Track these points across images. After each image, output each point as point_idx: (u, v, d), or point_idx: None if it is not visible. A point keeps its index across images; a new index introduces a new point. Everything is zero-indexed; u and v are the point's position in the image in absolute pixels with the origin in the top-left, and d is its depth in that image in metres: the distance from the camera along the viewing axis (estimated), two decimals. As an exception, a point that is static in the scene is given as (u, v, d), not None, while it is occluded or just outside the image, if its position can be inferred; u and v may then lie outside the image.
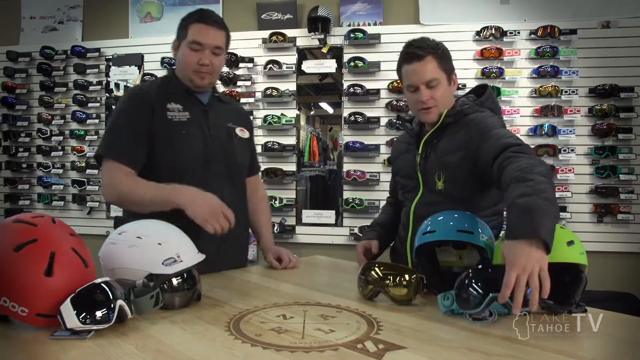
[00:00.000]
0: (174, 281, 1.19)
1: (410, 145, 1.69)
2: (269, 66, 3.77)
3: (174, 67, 1.77)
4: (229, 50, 3.71)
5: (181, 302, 1.19)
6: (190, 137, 1.62)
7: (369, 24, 3.74)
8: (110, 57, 4.11)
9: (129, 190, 1.55)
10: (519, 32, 3.47)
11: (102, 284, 1.00)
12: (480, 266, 1.16)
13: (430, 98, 1.54)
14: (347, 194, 3.67)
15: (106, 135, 1.68)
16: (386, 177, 3.40)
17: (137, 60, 4.03)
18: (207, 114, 1.69)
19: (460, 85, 3.49)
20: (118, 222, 1.54)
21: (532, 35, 3.46)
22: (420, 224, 1.45)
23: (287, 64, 3.77)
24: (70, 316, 0.94)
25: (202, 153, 1.64)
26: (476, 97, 1.62)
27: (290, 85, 3.80)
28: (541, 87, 3.42)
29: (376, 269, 1.25)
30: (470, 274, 1.09)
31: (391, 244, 1.83)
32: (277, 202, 3.75)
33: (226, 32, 1.69)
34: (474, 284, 1.07)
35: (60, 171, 4.15)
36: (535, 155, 1.33)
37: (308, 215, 3.79)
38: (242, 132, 1.78)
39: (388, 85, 3.63)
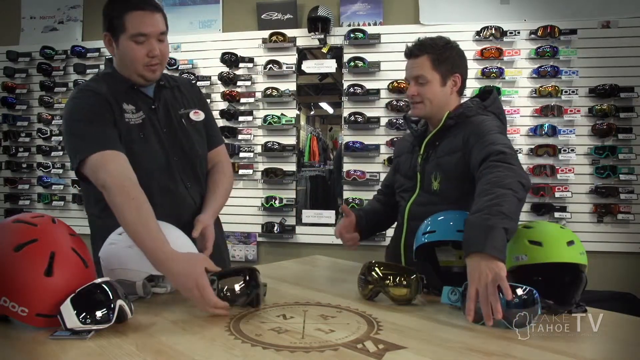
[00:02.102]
0: (237, 287, 1.15)
1: (414, 146, 1.71)
2: (269, 66, 3.77)
3: (110, 59, 1.54)
4: (230, 51, 3.78)
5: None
6: (148, 140, 1.48)
7: (369, 24, 3.73)
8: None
9: (120, 205, 1.28)
10: (519, 32, 3.47)
11: (102, 284, 1.00)
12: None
13: (417, 94, 1.59)
14: (347, 194, 3.67)
15: (72, 142, 1.41)
16: (386, 177, 3.41)
17: (137, 60, 4.02)
18: (156, 110, 1.52)
19: (460, 85, 3.51)
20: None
21: (532, 35, 3.46)
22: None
23: (287, 64, 3.77)
24: (70, 316, 0.94)
25: (162, 155, 1.50)
26: (481, 101, 1.64)
27: (290, 85, 3.80)
28: (541, 87, 3.42)
29: (376, 269, 1.25)
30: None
31: (387, 244, 1.84)
32: (277, 202, 3.75)
33: (163, 13, 1.47)
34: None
35: (60, 171, 4.15)
36: (518, 164, 1.35)
37: (308, 215, 3.79)
38: (196, 115, 1.60)
39: (388, 85, 3.63)
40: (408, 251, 1.60)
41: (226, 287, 1.14)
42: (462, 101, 1.68)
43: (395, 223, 1.81)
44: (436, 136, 1.61)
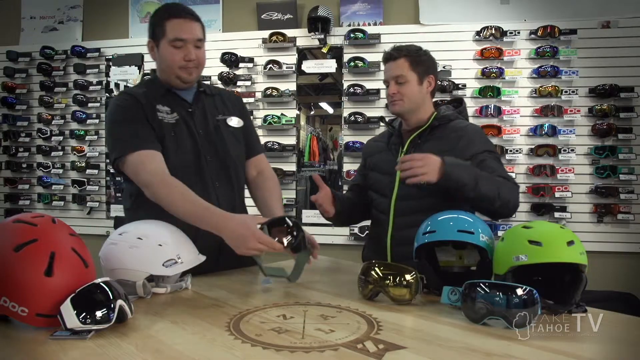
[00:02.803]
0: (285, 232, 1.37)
1: (391, 145, 1.85)
2: (269, 66, 3.77)
3: (154, 69, 1.69)
4: (230, 51, 3.78)
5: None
6: (180, 139, 1.58)
7: (369, 24, 3.74)
8: (110, 57, 4.11)
9: (166, 197, 1.44)
10: (519, 32, 3.47)
11: (102, 284, 1.00)
12: (489, 282, 1.12)
13: (397, 92, 1.75)
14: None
15: (112, 139, 1.58)
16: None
17: (137, 60, 4.03)
18: (192, 113, 1.64)
19: (460, 85, 3.52)
20: (118, 222, 1.54)
21: (532, 35, 3.46)
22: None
23: (287, 64, 3.77)
24: (70, 316, 0.94)
25: (193, 154, 1.60)
26: (453, 107, 1.85)
27: (290, 85, 3.80)
28: (541, 87, 3.42)
29: (376, 269, 1.25)
30: (479, 288, 1.07)
31: (364, 244, 1.98)
32: (277, 202, 3.74)
33: (201, 23, 1.63)
34: (481, 301, 1.06)
35: (60, 171, 4.15)
36: (517, 187, 1.65)
37: (308, 215, 3.79)
38: (234, 122, 1.72)
39: (388, 85, 3.62)
40: (394, 247, 1.74)
41: (275, 232, 1.35)
42: (434, 103, 1.86)
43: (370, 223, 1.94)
44: (420, 135, 1.76)
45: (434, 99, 1.89)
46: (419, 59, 1.75)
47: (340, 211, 1.83)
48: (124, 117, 1.55)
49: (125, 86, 4.12)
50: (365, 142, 3.58)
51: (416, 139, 1.76)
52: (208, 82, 1.91)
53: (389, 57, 1.77)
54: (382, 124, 3.51)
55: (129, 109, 1.55)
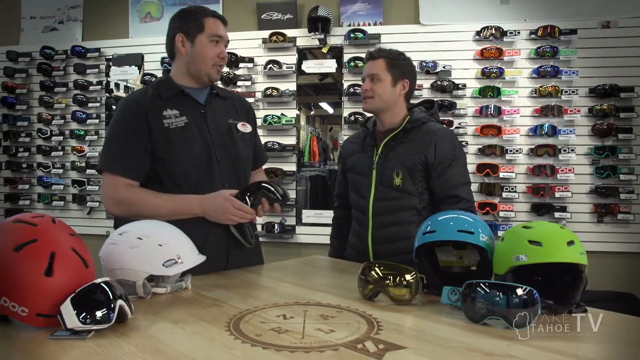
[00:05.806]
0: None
1: (366, 146, 1.90)
2: (269, 66, 3.77)
3: (168, 69, 1.76)
4: (229, 50, 3.76)
5: None
6: (190, 141, 1.60)
7: (369, 24, 3.74)
8: (110, 57, 4.11)
9: (133, 201, 1.56)
10: (519, 32, 3.47)
11: (102, 284, 1.00)
12: (489, 282, 1.12)
13: (370, 89, 1.83)
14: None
15: (103, 148, 1.68)
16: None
17: (137, 60, 4.03)
18: (205, 115, 1.66)
19: (460, 85, 3.52)
20: (118, 222, 1.54)
21: (532, 35, 3.46)
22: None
23: (287, 64, 3.77)
24: (70, 316, 0.94)
25: (205, 155, 1.62)
26: (425, 109, 1.91)
27: (290, 85, 3.80)
28: (541, 87, 3.42)
29: (376, 268, 1.25)
30: (479, 288, 1.07)
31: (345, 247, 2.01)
32: (277, 202, 3.75)
33: None
34: (481, 301, 1.05)
35: (60, 171, 4.15)
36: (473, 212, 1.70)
37: (308, 215, 3.79)
38: (243, 127, 1.75)
39: (388, 85, 3.62)
40: (375, 245, 1.81)
41: (254, 197, 1.54)
42: (409, 107, 1.91)
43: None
44: (393, 138, 1.83)
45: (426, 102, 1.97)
46: (396, 62, 1.83)
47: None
48: (123, 128, 1.60)
49: (125, 86, 4.13)
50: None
51: (390, 141, 1.82)
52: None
53: (370, 56, 1.86)
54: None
55: (130, 123, 1.59)
